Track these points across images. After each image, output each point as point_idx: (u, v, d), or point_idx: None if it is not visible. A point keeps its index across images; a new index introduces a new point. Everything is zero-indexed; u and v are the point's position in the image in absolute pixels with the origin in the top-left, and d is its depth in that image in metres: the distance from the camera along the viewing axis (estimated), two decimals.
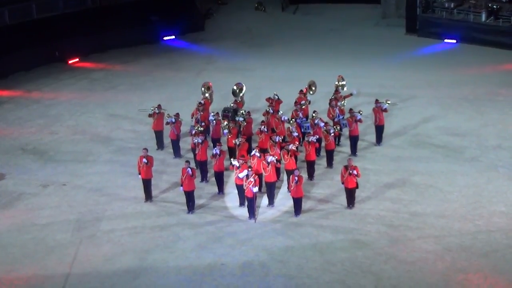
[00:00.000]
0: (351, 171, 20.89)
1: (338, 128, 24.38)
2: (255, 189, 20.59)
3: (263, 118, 24.93)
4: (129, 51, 35.75)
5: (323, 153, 24.04)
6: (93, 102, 29.94)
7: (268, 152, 22.07)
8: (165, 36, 37.31)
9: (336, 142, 24.45)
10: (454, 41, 35.54)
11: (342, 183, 21.24)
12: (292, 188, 20.85)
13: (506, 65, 32.44)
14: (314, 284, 18.05)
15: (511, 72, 31.84)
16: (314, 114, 24.55)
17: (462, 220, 20.52)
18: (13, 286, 18.27)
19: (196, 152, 22.98)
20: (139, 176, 21.96)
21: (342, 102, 25.68)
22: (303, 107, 25.51)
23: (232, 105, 25.92)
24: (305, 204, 21.31)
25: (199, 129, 23.63)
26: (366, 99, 26.93)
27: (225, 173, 22.44)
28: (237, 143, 22.87)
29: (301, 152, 22.84)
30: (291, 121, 24.27)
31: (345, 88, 26.86)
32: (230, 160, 22.05)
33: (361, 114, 24.38)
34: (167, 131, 24.82)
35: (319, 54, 34.34)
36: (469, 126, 26.57)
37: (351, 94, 26.31)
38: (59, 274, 18.58)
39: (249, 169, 20.64)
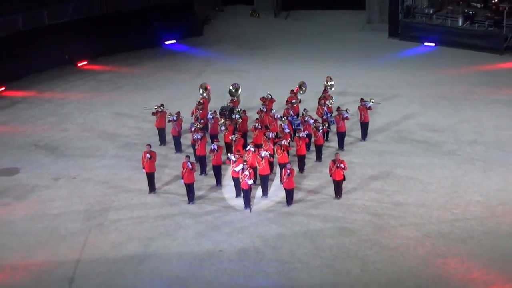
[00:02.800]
0: (338, 165, 20.97)
1: (326, 125, 24.52)
2: (250, 182, 20.69)
3: (257, 116, 24.94)
4: (133, 54, 35.71)
5: (312, 148, 24.08)
6: (100, 101, 29.94)
7: (262, 147, 22.15)
8: (166, 40, 37.27)
9: (325, 138, 24.50)
10: (433, 44, 35.58)
11: (330, 175, 21.32)
12: (284, 180, 20.99)
13: (481, 66, 32.52)
14: (304, 268, 18.15)
15: (486, 72, 31.90)
16: (304, 112, 24.61)
17: (440, 209, 20.62)
18: (27, 271, 18.32)
19: (196, 147, 23.05)
20: (143, 170, 22.01)
21: (330, 101, 25.71)
22: (294, 105, 25.54)
23: (229, 104, 25.92)
24: (296, 195, 21.42)
25: (198, 126, 23.64)
26: (352, 98, 26.99)
27: (222, 166, 22.51)
28: (233, 139, 22.91)
29: (293, 147, 22.91)
30: (283, 119, 24.36)
31: (333, 88, 26.89)
32: (227, 155, 22.19)
33: (347, 112, 24.44)
34: (169, 128, 24.85)
35: (309, 56, 34.35)
36: (447, 123, 26.65)
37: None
38: (70, 260, 18.66)
39: (245, 163, 20.69)
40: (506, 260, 17.54)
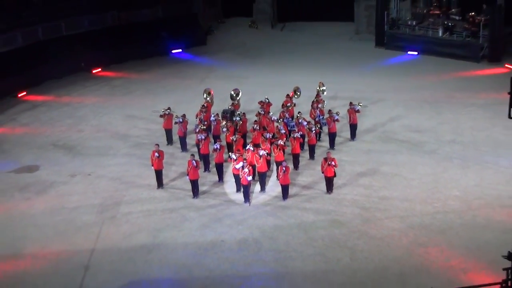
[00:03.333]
0: (329, 162, 20.99)
1: (319, 126, 24.50)
2: (249, 178, 20.77)
3: (256, 118, 24.90)
4: (143, 62, 35.68)
5: (306, 147, 24.05)
6: (113, 105, 29.93)
7: (260, 147, 22.13)
8: (173, 50, 37.22)
9: (317, 138, 24.47)
10: (416, 53, 35.55)
11: (322, 172, 21.33)
12: (280, 177, 21.01)
13: (459, 73, 32.52)
14: (299, 257, 18.17)
15: (464, 78, 31.90)
16: (298, 115, 24.60)
17: (422, 202, 20.63)
18: (46, 259, 18.35)
19: (200, 146, 23.02)
20: (152, 167, 22.00)
21: (322, 104, 25.72)
22: (289, 108, 25.54)
23: (230, 107, 25.94)
24: (291, 190, 21.38)
25: (202, 127, 23.67)
26: (342, 102, 27.00)
27: (224, 164, 22.47)
28: (234, 139, 22.90)
29: (288, 146, 22.87)
30: (279, 121, 24.33)
31: (325, 93, 26.89)
32: (229, 154, 22.19)
33: (338, 114, 24.45)
34: (176, 129, 24.82)
35: (303, 64, 34.32)
36: (428, 124, 26.64)
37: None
38: (85, 250, 18.69)
39: (244, 161, 20.69)
40: (481, 250, 17.55)
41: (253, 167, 21.35)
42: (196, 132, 23.69)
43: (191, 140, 24.58)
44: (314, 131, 23.82)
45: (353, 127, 25.30)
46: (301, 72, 31.94)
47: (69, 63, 33.76)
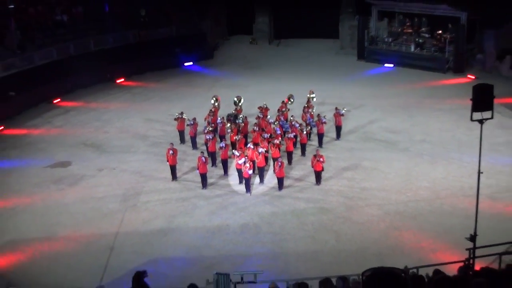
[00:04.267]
0: (318, 158, 21.02)
1: (309, 128, 24.51)
2: (250, 172, 20.86)
3: (255, 121, 24.90)
4: (159, 73, 35.66)
5: (298, 145, 24.01)
6: (133, 110, 29.91)
7: (259, 145, 22.13)
8: (185, 63, 37.18)
9: (308, 138, 24.45)
10: (392, 65, 35.53)
11: (312, 167, 21.38)
12: (276, 171, 21.05)
13: (429, 82, 32.50)
14: (292, 239, 18.20)
15: (433, 87, 31.87)
16: (291, 118, 24.61)
17: (397, 192, 20.66)
18: (77, 242, 18.37)
19: (208, 145, 23.02)
20: (167, 162, 22.01)
21: (312, 109, 25.70)
22: (284, 112, 25.52)
23: (233, 111, 25.89)
24: (286, 182, 21.40)
25: (210, 129, 23.70)
26: (329, 107, 26.92)
27: (228, 160, 22.45)
28: (237, 139, 22.94)
29: (283, 145, 22.86)
30: (275, 123, 24.35)
31: (314, 99, 26.88)
32: (232, 151, 22.20)
33: (325, 118, 24.45)
34: (187, 130, 24.79)
35: (296, 75, 34.28)
36: (402, 126, 26.61)
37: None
38: (110, 233, 18.73)
39: (246, 157, 20.78)
40: (447, 233, 17.61)
41: (253, 162, 21.40)
42: (205, 133, 23.68)
43: (200, 139, 24.59)
44: (305, 132, 23.84)
45: (338, 129, 25.30)
46: (294, 81, 31.94)
47: (96, 74, 33.74)
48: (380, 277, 2.58)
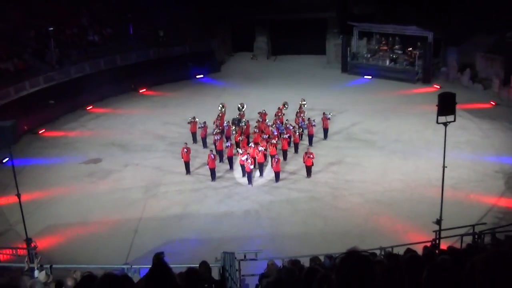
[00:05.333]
0: (309, 155, 21.04)
1: (301, 129, 24.49)
2: (252, 167, 20.82)
3: (256, 124, 24.89)
4: (175, 84, 35.64)
5: (292, 144, 24.00)
6: (153, 115, 29.91)
7: (259, 145, 22.12)
8: (197, 75, 37.19)
9: (300, 138, 24.43)
10: (370, 77, 35.49)
11: (304, 162, 21.37)
12: (273, 166, 21.10)
13: (401, 91, 32.46)
14: (287, 223, 18.22)
15: (404, 95, 31.83)
16: (286, 121, 24.61)
17: (375, 184, 20.67)
18: (107, 225, 18.42)
19: (216, 144, 22.99)
20: (182, 159, 22.00)
21: (303, 114, 25.69)
22: (280, 117, 25.46)
23: (237, 116, 25.92)
24: (282, 175, 21.43)
25: (218, 131, 23.67)
26: (317, 112, 26.89)
27: (233, 157, 22.44)
28: (240, 139, 22.92)
29: (279, 144, 22.86)
30: (272, 126, 24.31)
31: (305, 106, 26.85)
32: (237, 149, 22.22)
33: (314, 121, 24.48)
34: (199, 132, 24.79)
35: (290, 85, 34.24)
36: (379, 128, 26.57)
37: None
38: (134, 218, 18.76)
39: (248, 155, 20.77)
40: (417, 217, 17.59)
41: (254, 159, 21.36)
42: (213, 134, 23.66)
43: (209, 139, 24.57)
44: (297, 133, 23.87)
45: (325, 130, 25.27)
46: (288, 90, 31.91)
47: (122, 85, 33.75)
48: (350, 259, 2.58)
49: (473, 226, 15.57)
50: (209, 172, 21.51)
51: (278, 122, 24.85)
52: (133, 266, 12.62)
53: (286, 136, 23.12)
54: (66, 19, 34.46)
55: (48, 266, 12.37)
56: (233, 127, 24.24)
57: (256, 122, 25.08)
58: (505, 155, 22.72)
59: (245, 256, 13.13)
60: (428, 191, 19.26)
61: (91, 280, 4.94)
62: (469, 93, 29.89)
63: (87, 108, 31.24)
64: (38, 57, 31.05)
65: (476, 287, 2.57)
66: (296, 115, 25.71)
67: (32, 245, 14.77)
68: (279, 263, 11.52)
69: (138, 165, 23.28)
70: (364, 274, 2.56)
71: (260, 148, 21.44)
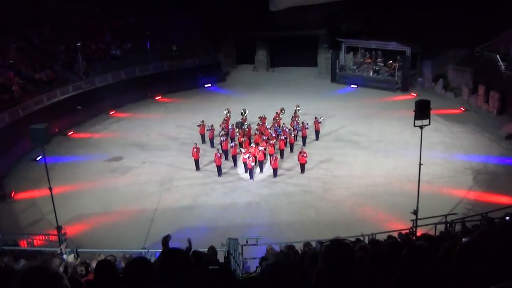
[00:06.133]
0: (302, 154, 21.04)
1: (296, 131, 24.47)
2: (253, 164, 20.78)
3: (257, 127, 24.89)
4: (187, 92, 35.59)
5: (288, 145, 23.97)
6: (168, 119, 29.89)
7: (260, 145, 22.10)
8: (205, 84, 37.14)
9: (295, 139, 24.39)
10: (356, 86, 35.42)
11: (298, 160, 21.34)
12: (272, 163, 21.02)
13: (383, 98, 32.42)
14: (283, 213, 18.20)
15: (386, 102, 31.78)
16: (283, 124, 24.63)
17: (360, 179, 20.64)
18: (127, 215, 18.43)
19: (222, 144, 22.98)
20: (192, 157, 21.98)
21: (298, 118, 25.67)
22: (278, 120, 25.44)
23: (240, 120, 25.90)
24: (279, 172, 21.37)
25: (223, 132, 23.75)
26: (310, 117, 26.79)
27: (237, 156, 22.42)
28: (243, 140, 22.96)
29: (277, 144, 22.83)
30: (271, 128, 24.28)
31: (299, 111, 26.82)
32: (240, 149, 22.21)
33: (307, 124, 24.48)
34: (207, 133, 24.78)
35: (286, 93, 34.17)
36: (364, 130, 26.51)
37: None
38: (151, 209, 18.75)
39: (249, 154, 20.76)
40: (397, 208, 17.53)
41: (255, 157, 21.32)
42: (220, 136, 23.70)
43: (216, 140, 24.56)
44: (293, 135, 23.85)
45: (317, 132, 25.25)
46: (285, 98, 31.86)
47: (140, 93, 33.70)
48: (334, 246, 2.61)
49: (445, 216, 15.57)
50: (215, 169, 21.49)
51: (276, 125, 24.83)
52: (149, 250, 12.63)
53: (283, 137, 23.13)
54: (91, 35, 34.49)
55: (76, 250, 12.37)
56: (237, 130, 24.22)
57: (257, 125, 25.07)
58: (473, 154, 22.70)
59: (247, 242, 13.13)
60: (406, 186, 19.21)
61: (110, 263, 4.97)
62: (442, 100, 29.84)
63: (110, 113, 31.18)
64: (67, 69, 31.06)
65: (452, 270, 2.57)
66: (291, 119, 25.68)
67: (62, 232, 14.80)
68: (276, 248, 11.51)
69: (154, 163, 23.23)
70: (345, 258, 2.60)
71: (260, 148, 21.42)
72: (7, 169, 22.43)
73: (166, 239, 4.37)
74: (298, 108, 26.93)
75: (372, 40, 35.79)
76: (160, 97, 34.81)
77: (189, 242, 5.04)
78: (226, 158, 22.92)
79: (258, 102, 31.91)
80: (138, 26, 36.87)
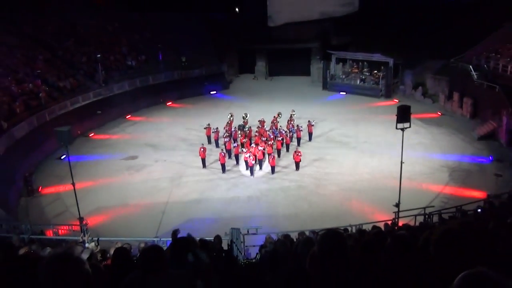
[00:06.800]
0: (297, 153, 21.00)
1: (291, 133, 24.44)
2: (253, 162, 20.73)
3: (256, 129, 24.84)
4: (194, 98, 35.56)
5: (285, 145, 23.94)
6: (178, 122, 29.85)
7: (259, 145, 22.07)
8: (211, 92, 37.11)
9: (290, 140, 24.35)
10: (344, 93, 35.41)
11: (293, 159, 21.30)
12: (270, 161, 21.01)
13: (368, 104, 32.39)
14: (280, 205, 18.16)
15: (371, 107, 31.76)
16: (280, 127, 24.60)
17: (349, 176, 20.61)
18: (141, 207, 18.39)
19: (226, 145, 22.95)
20: (199, 156, 21.95)
21: (293, 122, 25.64)
22: (275, 123, 25.38)
23: (242, 123, 25.85)
24: (276, 169, 21.33)
25: (227, 134, 23.67)
26: (304, 120, 26.78)
27: (239, 155, 22.36)
28: (245, 141, 22.89)
29: (274, 144, 22.80)
30: (269, 130, 24.26)
31: (295, 115, 26.78)
32: (241, 149, 22.16)
33: (301, 127, 24.46)
34: (213, 135, 24.76)
35: (282, 99, 34.11)
36: (352, 132, 26.47)
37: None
38: (162, 202, 18.71)
39: (250, 153, 20.71)
40: (381, 202, 17.49)
41: (255, 156, 21.28)
42: (224, 137, 23.66)
43: (221, 141, 24.52)
44: (288, 136, 23.82)
45: (310, 134, 25.22)
46: (281, 103, 31.83)
47: (153, 99, 33.66)
48: (329, 234, 2.63)
49: (424, 208, 15.56)
50: (220, 166, 21.46)
51: (274, 127, 24.79)
52: (161, 239, 12.61)
53: (280, 138, 23.09)
54: (110, 48, 34.49)
55: (96, 238, 12.35)
56: (239, 132, 24.20)
57: (257, 127, 25.02)
58: (449, 154, 22.69)
59: (248, 231, 13.11)
60: (389, 181, 19.16)
61: (126, 251, 4.97)
62: (421, 106, 29.84)
63: (126, 117, 31.14)
64: (88, 77, 31.04)
65: (430, 256, 2.58)
66: (287, 122, 25.62)
67: (84, 222, 14.78)
68: (274, 237, 11.50)
69: (166, 161, 23.19)
70: (339, 245, 2.61)
71: (260, 148, 21.40)
72: (35, 167, 22.42)
73: (175, 233, 4.43)
74: (293, 113, 26.90)
75: (359, 52, 35.86)
76: (170, 102, 34.78)
77: (189, 235, 5.07)
78: (230, 157, 22.87)
79: (258, 107, 31.90)
80: (152, 40, 36.91)
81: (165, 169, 22.19)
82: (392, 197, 15.84)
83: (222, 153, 21.28)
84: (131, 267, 4.32)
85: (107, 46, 34.43)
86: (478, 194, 17.72)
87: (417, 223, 13.65)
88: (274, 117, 26.29)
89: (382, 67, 34.40)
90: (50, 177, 21.25)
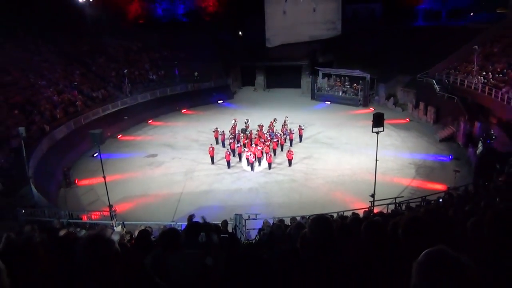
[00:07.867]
0: (290, 152, 20.94)
1: (285, 136, 24.38)
2: (253, 159, 20.67)
3: (256, 132, 24.76)
4: (204, 107, 35.48)
5: (279, 145, 23.91)
6: (191, 126, 29.79)
7: (258, 145, 22.01)
8: (218, 101, 37.08)
9: (284, 141, 24.32)
10: (329, 102, 35.35)
11: (286, 157, 21.25)
12: (267, 159, 20.93)
13: (349, 112, 32.33)
14: (275, 196, 18.09)
15: (352, 114, 31.70)
16: (275, 130, 24.52)
17: (333, 171, 20.53)
18: (160, 197, 18.33)
19: (230, 145, 22.87)
20: (209, 154, 21.89)
21: (286, 126, 25.58)
22: (272, 127, 25.29)
23: (244, 127, 25.78)
24: (273, 165, 21.23)
25: (232, 136, 23.57)
26: (295, 125, 26.64)
27: (242, 153, 22.26)
28: (246, 142, 22.84)
29: (271, 145, 22.66)
30: (267, 133, 24.19)
31: (288, 120, 26.63)
32: (244, 149, 22.09)
33: (293, 130, 24.41)
34: (220, 137, 24.69)
35: (278, 107, 34.03)
36: (336, 135, 26.37)
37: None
38: (177, 193, 18.66)
39: (251, 152, 20.65)
40: (360, 193, 17.44)
41: (255, 155, 21.23)
42: (229, 138, 23.60)
43: (226, 142, 24.44)
44: (283, 138, 23.75)
45: (300, 136, 25.12)
46: (277, 111, 31.74)
47: (170, 107, 33.59)
48: (318, 219, 2.65)
49: (395, 198, 15.55)
50: (226, 163, 21.42)
51: (270, 131, 24.74)
52: (177, 223, 12.60)
53: (275, 140, 23.03)
54: (135, 64, 34.50)
55: (123, 222, 12.34)
56: (242, 134, 24.15)
57: (256, 131, 24.98)
58: (416, 153, 22.67)
59: (249, 217, 13.11)
60: (367, 176, 19.15)
61: (147, 232, 4.98)
62: (393, 113, 29.80)
63: (148, 122, 31.05)
64: (117, 89, 31.06)
65: (399, 238, 2.60)
66: (282, 126, 25.54)
67: (113, 209, 14.77)
68: (271, 221, 11.50)
69: (181, 158, 23.16)
70: (326, 228, 2.63)
71: (259, 148, 21.35)
72: (72, 163, 22.42)
73: (191, 217, 4.45)
74: (286, 119, 26.81)
75: (341, 68, 35.86)
76: (185, 110, 34.69)
77: (203, 218, 5.05)
78: (234, 155, 22.82)
79: (257, 114, 31.82)
80: (169, 58, 36.92)
81: (180, 165, 22.14)
82: (368, 189, 15.83)
83: (228, 152, 21.26)
84: (152, 246, 4.33)
85: (132, 63, 34.47)
86: (440, 187, 17.73)
87: (389, 211, 13.64)
88: (271, 122, 26.24)
89: (361, 81, 34.35)
90: (85, 172, 21.27)
